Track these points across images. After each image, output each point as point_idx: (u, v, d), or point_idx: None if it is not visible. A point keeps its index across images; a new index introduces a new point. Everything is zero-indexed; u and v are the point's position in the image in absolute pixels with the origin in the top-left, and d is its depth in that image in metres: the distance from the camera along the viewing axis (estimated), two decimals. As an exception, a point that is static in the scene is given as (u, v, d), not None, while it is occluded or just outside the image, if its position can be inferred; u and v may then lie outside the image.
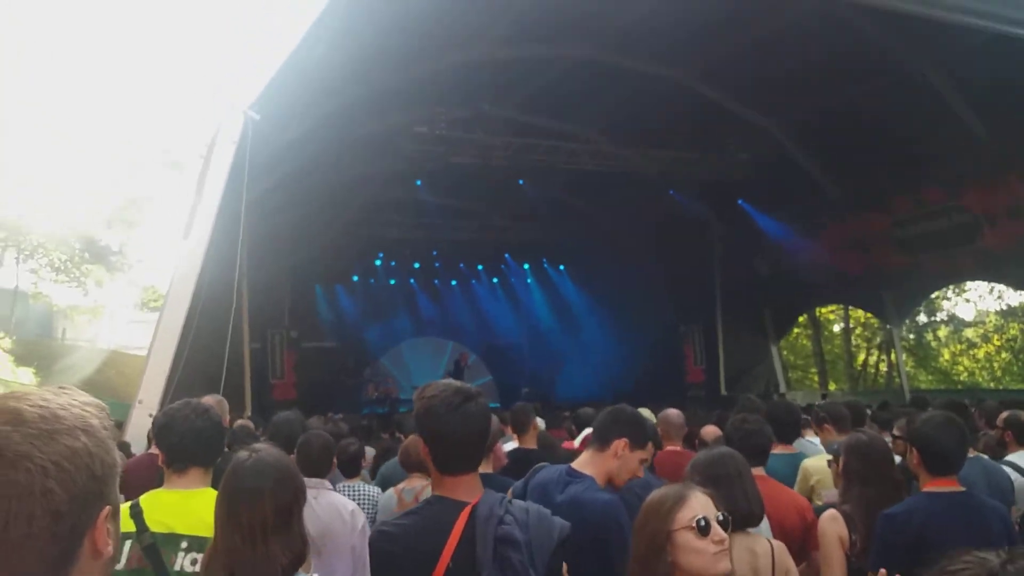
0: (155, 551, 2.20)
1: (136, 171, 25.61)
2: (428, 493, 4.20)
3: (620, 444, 2.89)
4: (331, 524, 3.43)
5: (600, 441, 2.94)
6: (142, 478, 3.46)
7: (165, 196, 26.02)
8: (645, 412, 5.46)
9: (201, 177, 8.64)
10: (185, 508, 2.63)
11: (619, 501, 2.72)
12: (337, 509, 3.54)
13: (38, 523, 0.97)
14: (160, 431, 2.80)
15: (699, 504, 2.03)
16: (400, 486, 4.63)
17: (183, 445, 2.74)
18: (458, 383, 2.25)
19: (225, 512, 2.14)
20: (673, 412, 4.97)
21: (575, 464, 2.96)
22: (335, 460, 4.08)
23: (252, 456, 2.23)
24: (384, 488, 4.92)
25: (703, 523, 1.98)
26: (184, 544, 2.55)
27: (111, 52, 34.46)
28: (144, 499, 2.62)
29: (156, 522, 2.50)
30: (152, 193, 26.30)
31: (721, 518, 2.03)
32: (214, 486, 2.81)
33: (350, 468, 4.86)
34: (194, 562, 2.53)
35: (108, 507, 1.07)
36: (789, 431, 4.56)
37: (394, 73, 12.66)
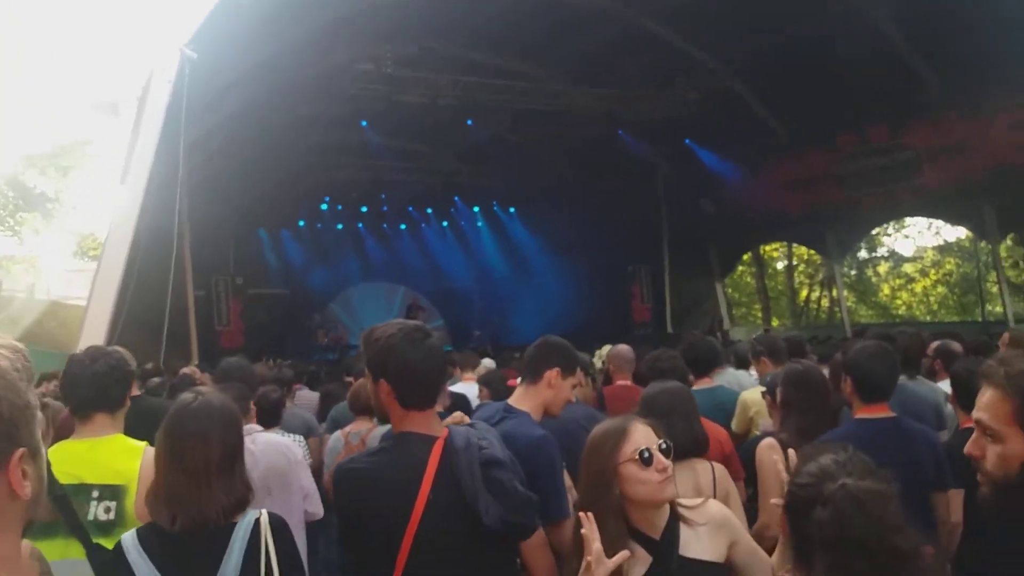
0: (66, 502, 2.18)
1: (69, 115, 24.64)
2: (374, 435, 4.28)
3: (552, 374, 2.93)
4: (275, 463, 3.45)
5: (532, 374, 2.96)
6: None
7: (101, 140, 25.11)
8: (604, 349, 5.58)
9: (137, 119, 8.34)
10: (93, 457, 2.60)
11: (550, 437, 2.75)
12: (275, 448, 3.56)
13: None
14: (64, 383, 2.77)
15: (640, 436, 2.08)
16: (346, 429, 4.65)
17: (81, 392, 2.71)
18: (411, 321, 2.25)
19: (168, 453, 2.13)
20: (624, 347, 5.06)
21: (511, 400, 2.99)
22: (253, 408, 3.99)
23: (197, 399, 2.22)
24: (332, 431, 4.94)
25: (647, 455, 2.03)
26: (95, 493, 2.53)
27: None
28: (51, 451, 2.56)
29: (64, 473, 2.43)
30: (87, 137, 25.38)
31: (664, 446, 2.07)
32: (135, 431, 2.79)
33: (269, 417, 4.56)
34: (107, 510, 2.51)
35: (22, 449, 1.04)
36: (703, 366, 4.83)
37: (336, 8, 12.28)
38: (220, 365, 5.08)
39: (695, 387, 4.59)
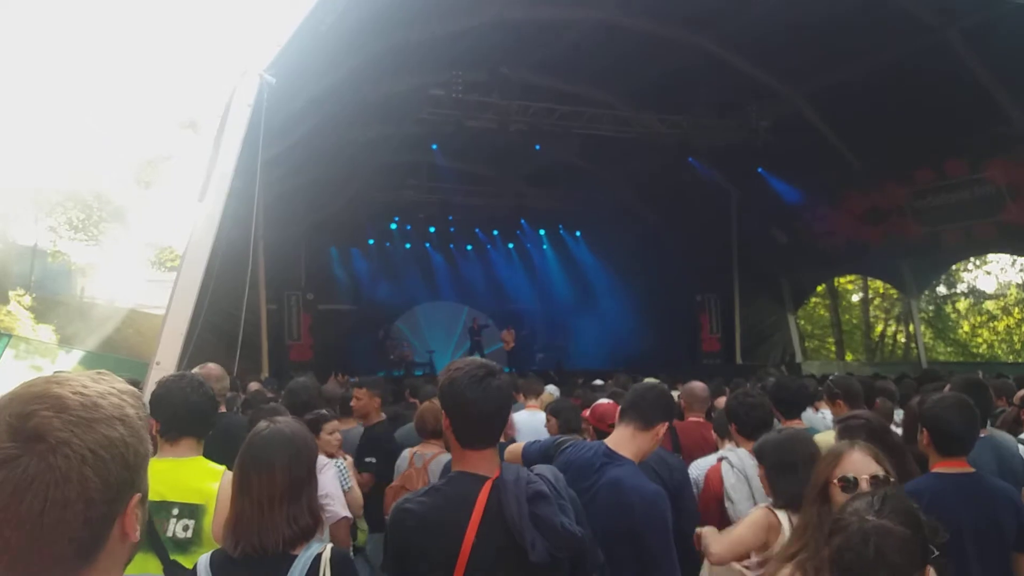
0: (148, 519, 2.25)
1: (152, 130, 25.66)
2: (439, 460, 4.29)
3: (662, 427, 2.95)
4: None
5: (645, 421, 2.91)
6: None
7: (182, 156, 26.06)
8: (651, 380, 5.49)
9: (217, 139, 8.61)
10: (176, 476, 2.69)
11: (663, 493, 2.71)
12: None
13: (72, 508, 0.99)
14: (157, 402, 2.85)
15: (851, 463, 2.20)
16: (415, 449, 4.69)
17: (178, 417, 2.80)
18: (482, 359, 2.26)
19: (238, 481, 2.19)
20: (698, 385, 5.02)
21: (611, 443, 2.94)
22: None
23: (269, 427, 2.26)
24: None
25: (850, 480, 2.15)
26: (175, 511, 2.61)
27: (131, 14, 34.34)
28: None
29: (149, 490, 2.52)
30: (169, 153, 26.37)
31: (881, 476, 2.16)
32: (213, 455, 2.87)
33: None
34: (186, 528, 2.60)
35: (138, 494, 1.10)
36: (794, 408, 4.55)
37: (409, 35, 12.53)
38: (288, 385, 5.18)
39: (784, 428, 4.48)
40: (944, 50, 12.17)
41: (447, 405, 2.18)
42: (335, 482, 3.80)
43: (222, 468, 2.75)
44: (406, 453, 4.71)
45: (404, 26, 11.98)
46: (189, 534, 2.60)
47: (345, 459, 4.54)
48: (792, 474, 2.76)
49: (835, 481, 2.16)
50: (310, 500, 2.21)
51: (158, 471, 2.66)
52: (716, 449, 4.39)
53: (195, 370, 4.25)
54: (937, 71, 12.33)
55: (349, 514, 3.77)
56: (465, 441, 2.17)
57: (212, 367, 4.23)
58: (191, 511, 2.61)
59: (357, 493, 4.31)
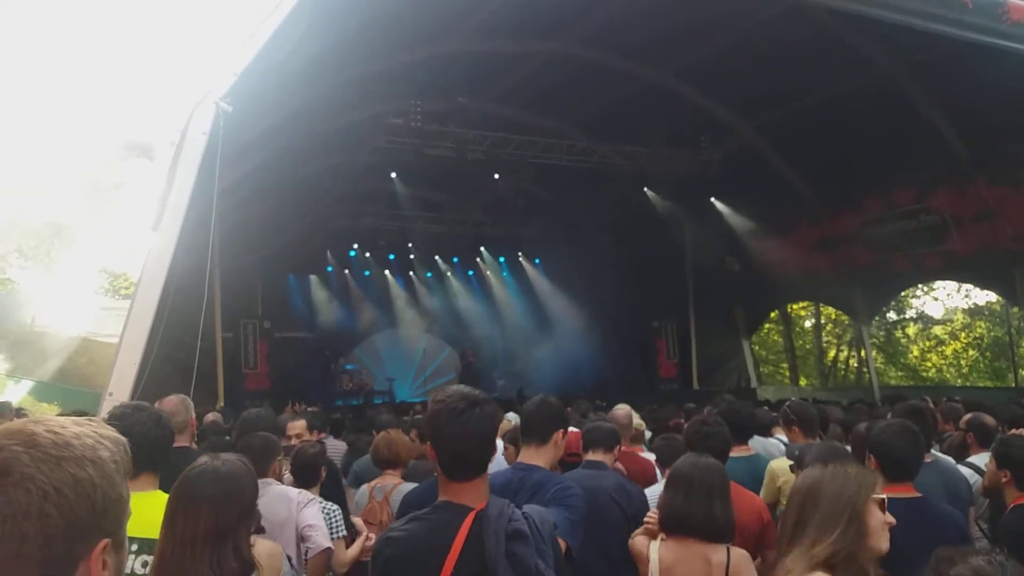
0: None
1: (106, 158, 25.27)
2: (399, 490, 4.27)
3: (559, 435, 3.17)
4: (275, 513, 3.38)
5: (542, 438, 3.17)
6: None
7: (135, 183, 25.69)
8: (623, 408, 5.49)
9: (172, 167, 8.54)
10: (135, 511, 2.63)
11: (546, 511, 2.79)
12: (279, 499, 3.47)
13: (30, 544, 0.98)
14: None
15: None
16: (372, 483, 4.64)
17: (140, 453, 2.74)
18: (467, 389, 2.23)
19: (165, 518, 2.12)
20: (621, 412, 5.02)
21: (524, 460, 3.18)
22: (276, 464, 3.78)
23: (204, 464, 2.19)
24: (357, 485, 4.92)
25: (884, 501, 2.19)
26: (134, 547, 2.56)
27: (84, 41, 33.91)
28: None
29: None
30: (123, 180, 25.97)
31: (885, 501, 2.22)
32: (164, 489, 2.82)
33: (308, 475, 4.07)
34: (144, 564, 2.55)
35: (107, 540, 1.07)
36: (743, 432, 4.66)
37: (369, 64, 12.57)
38: (243, 416, 5.05)
39: (733, 454, 4.54)
40: (892, 84, 12.61)
41: (430, 438, 2.19)
42: (319, 515, 3.62)
43: None
44: (364, 488, 4.65)
45: (364, 56, 12.03)
46: (147, 570, 2.55)
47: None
48: (683, 495, 2.93)
49: (875, 499, 2.17)
50: (237, 543, 2.12)
51: None
52: (654, 477, 4.45)
53: (156, 404, 4.18)
54: (885, 104, 12.76)
55: (331, 545, 3.60)
56: (448, 472, 2.17)
57: (173, 397, 4.15)
58: (150, 546, 2.56)
59: (344, 552, 3.90)
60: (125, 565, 1.15)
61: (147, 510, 2.64)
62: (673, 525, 2.94)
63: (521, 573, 2.03)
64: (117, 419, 2.82)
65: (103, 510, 1.06)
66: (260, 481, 3.37)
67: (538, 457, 3.14)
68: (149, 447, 2.76)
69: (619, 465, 4.23)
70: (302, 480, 4.05)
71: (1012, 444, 3.54)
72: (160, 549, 2.08)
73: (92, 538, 1.05)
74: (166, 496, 2.75)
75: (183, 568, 2.02)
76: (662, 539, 2.95)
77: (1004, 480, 3.50)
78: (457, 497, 2.15)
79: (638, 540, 3.08)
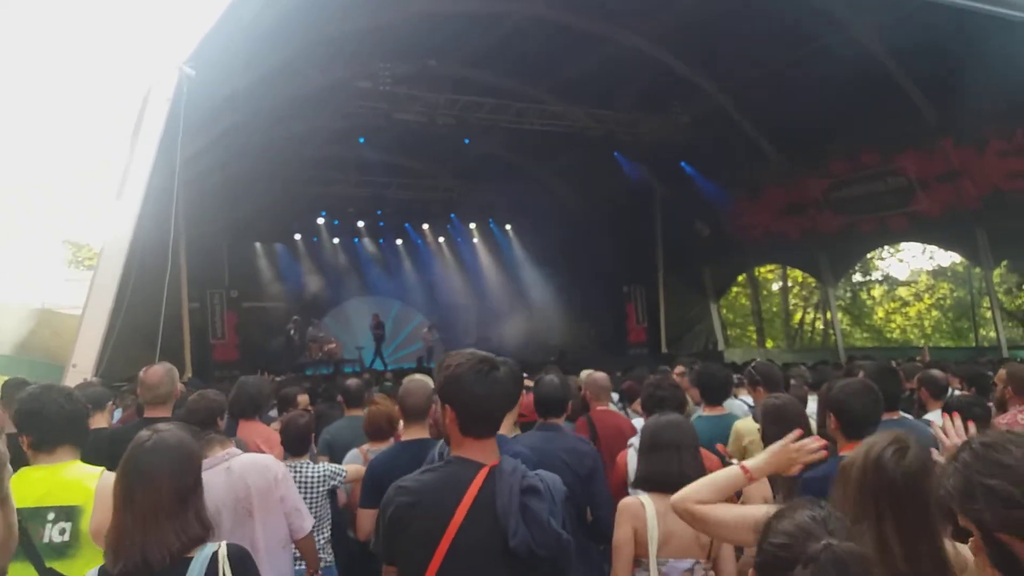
0: (21, 528, 2.22)
1: (66, 125, 24.69)
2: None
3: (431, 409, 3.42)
4: (255, 483, 3.40)
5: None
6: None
7: (98, 150, 25.15)
8: (584, 374, 5.56)
9: (134, 136, 8.35)
10: (52, 480, 2.68)
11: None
12: (256, 468, 3.48)
13: None
14: (29, 417, 2.79)
15: None
16: (366, 447, 4.60)
17: (55, 428, 2.78)
18: (482, 352, 2.26)
19: (120, 494, 2.12)
20: (600, 376, 5.08)
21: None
22: (220, 424, 3.95)
23: (152, 437, 2.19)
24: (329, 453, 4.90)
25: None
26: (51, 516, 2.58)
27: (42, 6, 32.88)
28: (13, 479, 2.61)
29: (21, 497, 2.47)
30: (84, 147, 25.41)
31: None
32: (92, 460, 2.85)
33: (298, 445, 4.37)
34: (62, 532, 2.57)
35: None
36: (717, 394, 4.80)
37: (336, 26, 12.36)
38: (240, 381, 5.14)
39: (705, 414, 4.69)
40: (858, 45, 12.63)
41: (452, 400, 2.18)
42: (298, 494, 3.66)
43: (100, 469, 2.71)
44: (356, 452, 4.63)
45: (331, 18, 11.81)
46: (66, 537, 2.56)
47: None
48: (657, 455, 2.98)
49: None
50: (198, 509, 2.15)
51: (33, 480, 2.66)
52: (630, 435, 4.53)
53: (141, 374, 4.13)
54: (852, 66, 12.79)
55: (314, 521, 3.71)
56: (467, 430, 2.19)
57: (159, 366, 4.12)
58: (67, 513, 2.58)
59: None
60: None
61: (64, 478, 2.69)
62: (652, 486, 2.98)
63: (532, 526, 2.06)
64: (31, 400, 2.83)
65: None
66: (224, 455, 3.41)
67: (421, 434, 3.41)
68: (66, 422, 2.79)
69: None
70: (292, 449, 4.34)
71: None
72: (118, 526, 2.07)
73: None
74: (85, 465, 2.77)
75: (147, 542, 2.03)
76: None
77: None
78: (471, 453, 2.18)
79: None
